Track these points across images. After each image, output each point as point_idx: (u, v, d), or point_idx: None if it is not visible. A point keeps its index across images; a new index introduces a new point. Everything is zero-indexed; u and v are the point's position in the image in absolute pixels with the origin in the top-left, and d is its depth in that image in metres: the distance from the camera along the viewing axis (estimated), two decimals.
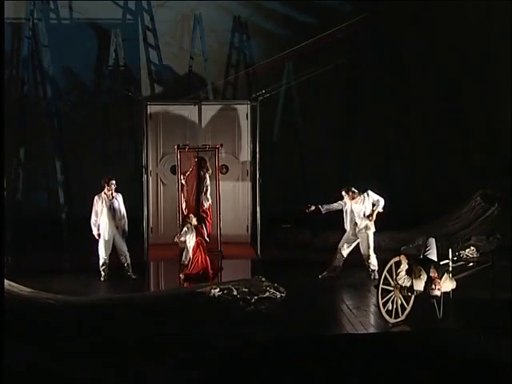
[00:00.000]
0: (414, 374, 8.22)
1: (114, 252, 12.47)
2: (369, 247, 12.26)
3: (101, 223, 12.36)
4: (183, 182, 13.60)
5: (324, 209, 12.30)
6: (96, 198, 12.41)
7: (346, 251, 12.31)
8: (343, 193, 12.27)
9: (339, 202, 12.32)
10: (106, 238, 12.36)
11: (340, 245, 12.35)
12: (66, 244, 15.29)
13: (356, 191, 12.23)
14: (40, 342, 8.86)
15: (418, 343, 9.14)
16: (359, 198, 12.24)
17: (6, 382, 7.75)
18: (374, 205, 12.28)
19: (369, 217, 12.17)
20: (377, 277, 11.84)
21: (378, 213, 12.24)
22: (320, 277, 12.34)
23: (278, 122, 16.46)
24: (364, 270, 12.33)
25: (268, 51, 16.24)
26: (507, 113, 15.81)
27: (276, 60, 15.53)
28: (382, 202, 12.24)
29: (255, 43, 16.81)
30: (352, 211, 12.23)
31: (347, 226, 12.31)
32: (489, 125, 16.51)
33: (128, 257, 12.51)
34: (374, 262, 12.23)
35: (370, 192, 12.30)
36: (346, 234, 12.36)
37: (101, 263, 12.42)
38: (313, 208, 12.30)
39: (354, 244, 12.34)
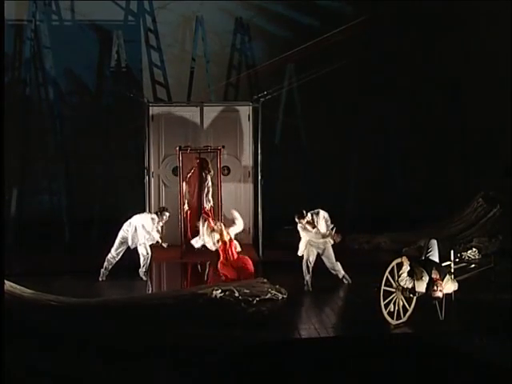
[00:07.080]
0: (416, 375, 8.22)
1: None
2: (332, 257, 11.85)
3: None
4: (185, 183, 13.60)
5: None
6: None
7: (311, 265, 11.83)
8: (296, 219, 11.64)
9: (298, 229, 11.71)
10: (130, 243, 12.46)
11: (305, 265, 11.77)
12: (68, 246, 15.30)
13: (306, 213, 11.65)
14: (42, 343, 8.87)
15: (419, 345, 9.15)
16: (311, 219, 11.66)
17: (6, 383, 7.76)
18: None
19: (329, 236, 11.66)
20: (349, 279, 11.88)
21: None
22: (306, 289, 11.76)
23: (280, 123, 16.47)
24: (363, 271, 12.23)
25: (270, 53, 16.27)
26: (507, 113, 15.81)
27: (278, 61, 15.54)
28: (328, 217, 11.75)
29: (257, 45, 16.84)
30: (308, 234, 11.69)
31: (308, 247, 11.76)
32: (489, 125, 16.51)
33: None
34: (339, 267, 11.89)
35: (320, 211, 11.76)
36: (306, 257, 11.80)
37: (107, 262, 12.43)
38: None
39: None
